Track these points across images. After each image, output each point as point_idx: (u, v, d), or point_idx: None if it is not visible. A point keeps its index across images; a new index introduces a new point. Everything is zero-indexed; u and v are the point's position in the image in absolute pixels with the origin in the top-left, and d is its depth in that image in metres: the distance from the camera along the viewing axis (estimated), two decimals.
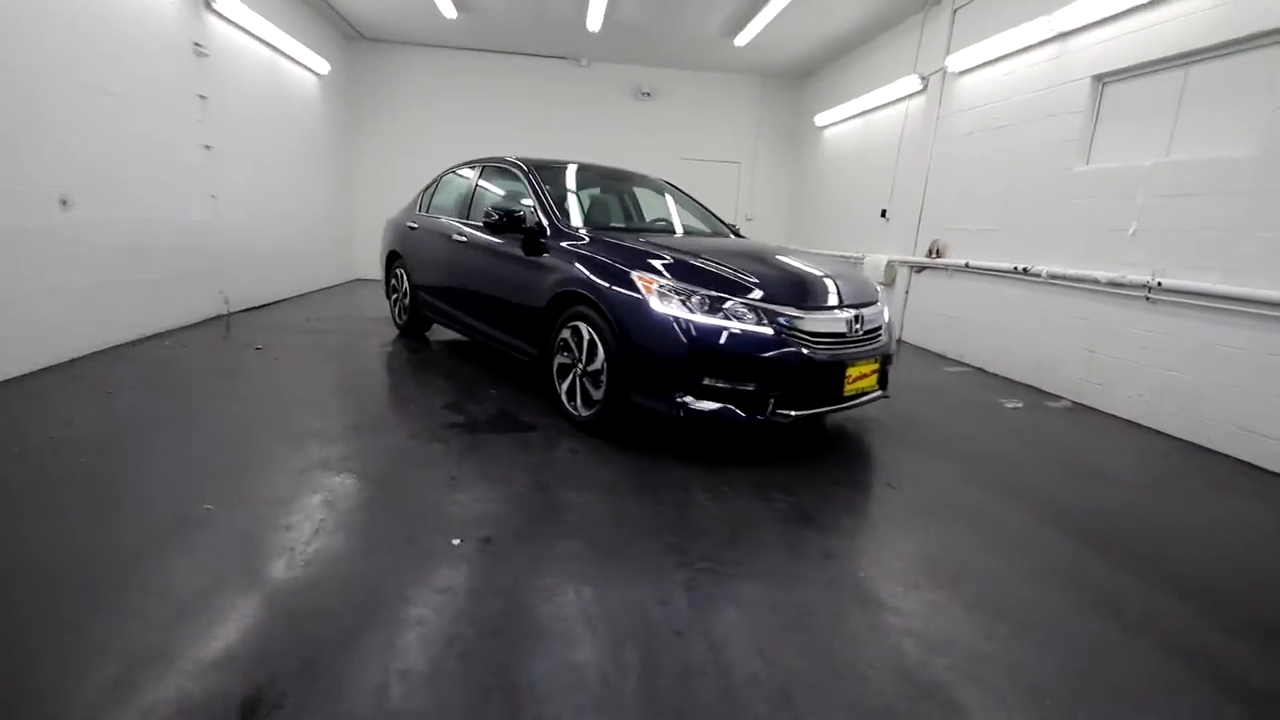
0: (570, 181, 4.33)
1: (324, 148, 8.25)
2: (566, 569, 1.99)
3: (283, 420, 3.19)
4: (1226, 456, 3.52)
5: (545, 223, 3.67)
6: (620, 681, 1.52)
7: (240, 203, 6.01)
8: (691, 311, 2.79)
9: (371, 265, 9.62)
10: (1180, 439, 3.80)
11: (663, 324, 2.80)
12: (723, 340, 2.74)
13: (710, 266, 2.99)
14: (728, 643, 1.69)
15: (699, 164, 9.94)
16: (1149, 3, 4.11)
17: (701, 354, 2.73)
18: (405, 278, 5.25)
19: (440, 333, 5.64)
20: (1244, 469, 3.36)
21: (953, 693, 1.56)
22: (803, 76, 9.79)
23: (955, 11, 6.14)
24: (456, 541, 2.10)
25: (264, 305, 6.59)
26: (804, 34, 7.78)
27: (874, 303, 3.27)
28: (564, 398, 3.38)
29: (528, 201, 3.97)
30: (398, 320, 5.57)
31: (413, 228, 5.14)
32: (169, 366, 4.03)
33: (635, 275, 2.95)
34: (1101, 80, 4.53)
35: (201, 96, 5.28)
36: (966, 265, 5.78)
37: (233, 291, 5.95)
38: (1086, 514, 2.69)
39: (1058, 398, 4.66)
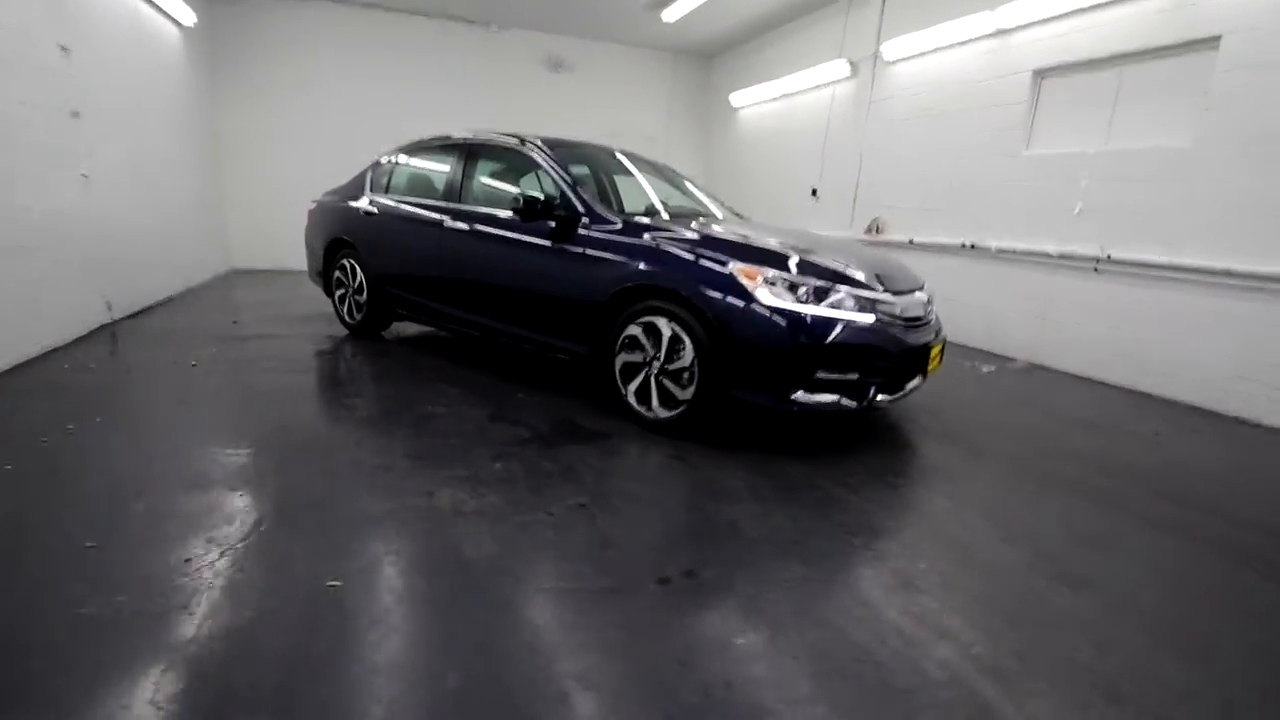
0: (589, 162, 3.98)
1: (190, 116, 6.85)
2: (810, 592, 1.86)
3: (335, 464, 2.64)
4: (1169, 400, 4.20)
5: (580, 210, 3.35)
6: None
7: (115, 184, 4.81)
8: (802, 303, 2.71)
9: (249, 253, 8.32)
10: (1126, 388, 4.46)
11: (775, 318, 2.69)
12: (837, 331, 2.69)
13: (801, 255, 2.92)
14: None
15: (617, 140, 9.68)
16: (1086, 8, 4.64)
17: (819, 347, 2.67)
18: (358, 270, 4.56)
19: (399, 329, 5.00)
20: (1195, 411, 4.03)
21: None
22: (711, 55, 9.87)
23: (884, 1, 6.50)
24: (667, 578, 1.86)
25: (151, 307, 5.39)
26: (727, 13, 7.81)
27: (924, 284, 3.41)
28: (631, 399, 3.15)
29: (545, 186, 3.63)
30: (347, 319, 4.84)
31: (370, 213, 4.45)
32: (102, 400, 3.14)
33: (735, 267, 2.79)
34: (1041, 74, 5.06)
35: (63, 48, 4.10)
36: (910, 242, 6.24)
37: (115, 293, 4.79)
38: (1124, 466, 3.07)
39: (1012, 359, 5.25)
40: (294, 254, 6.18)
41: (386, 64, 8.46)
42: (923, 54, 6.05)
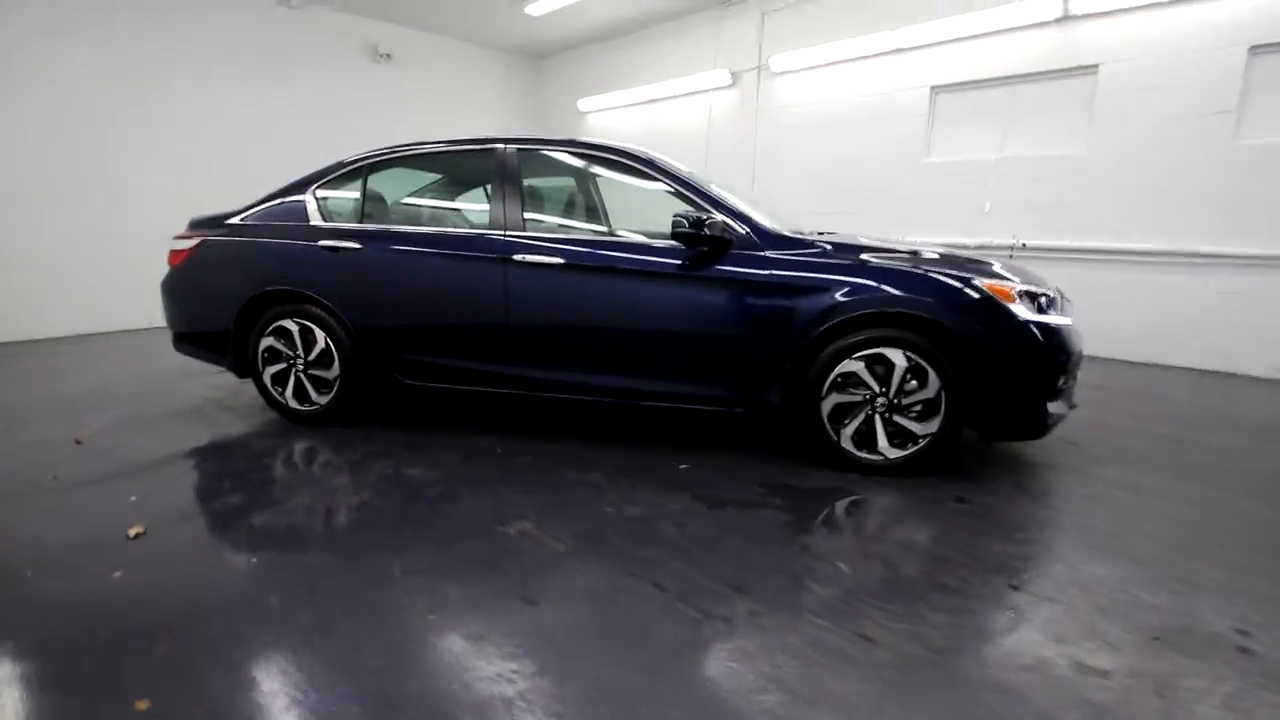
0: (689, 168, 3.27)
1: None
2: None
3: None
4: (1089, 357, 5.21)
5: (743, 230, 2.77)
6: None
7: None
8: (1044, 313, 2.61)
9: None
10: None
11: (1033, 331, 2.54)
12: (1072, 337, 2.67)
13: (985, 263, 2.81)
14: None
15: None
16: (977, 35, 5.45)
17: (1067, 355, 2.60)
18: (319, 333, 3.11)
19: (372, 415, 3.56)
20: (1117, 362, 5.05)
21: None
22: (542, 57, 9.25)
23: (764, 15, 6.79)
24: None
25: None
26: (591, 13, 7.36)
27: None
28: (848, 445, 2.71)
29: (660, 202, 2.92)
30: (294, 403, 3.24)
31: (343, 251, 3.05)
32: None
33: (982, 282, 2.56)
34: (937, 90, 5.80)
35: None
36: None
37: None
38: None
39: None
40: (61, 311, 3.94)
41: (148, 45, 6.02)
42: (817, 67, 6.47)
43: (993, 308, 2.53)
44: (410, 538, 2.13)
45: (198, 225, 3.41)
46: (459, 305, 2.97)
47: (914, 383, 2.61)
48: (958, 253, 2.94)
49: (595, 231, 3.39)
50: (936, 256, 2.73)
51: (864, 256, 2.66)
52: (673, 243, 2.79)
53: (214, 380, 4.15)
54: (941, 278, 2.57)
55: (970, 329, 2.52)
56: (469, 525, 2.24)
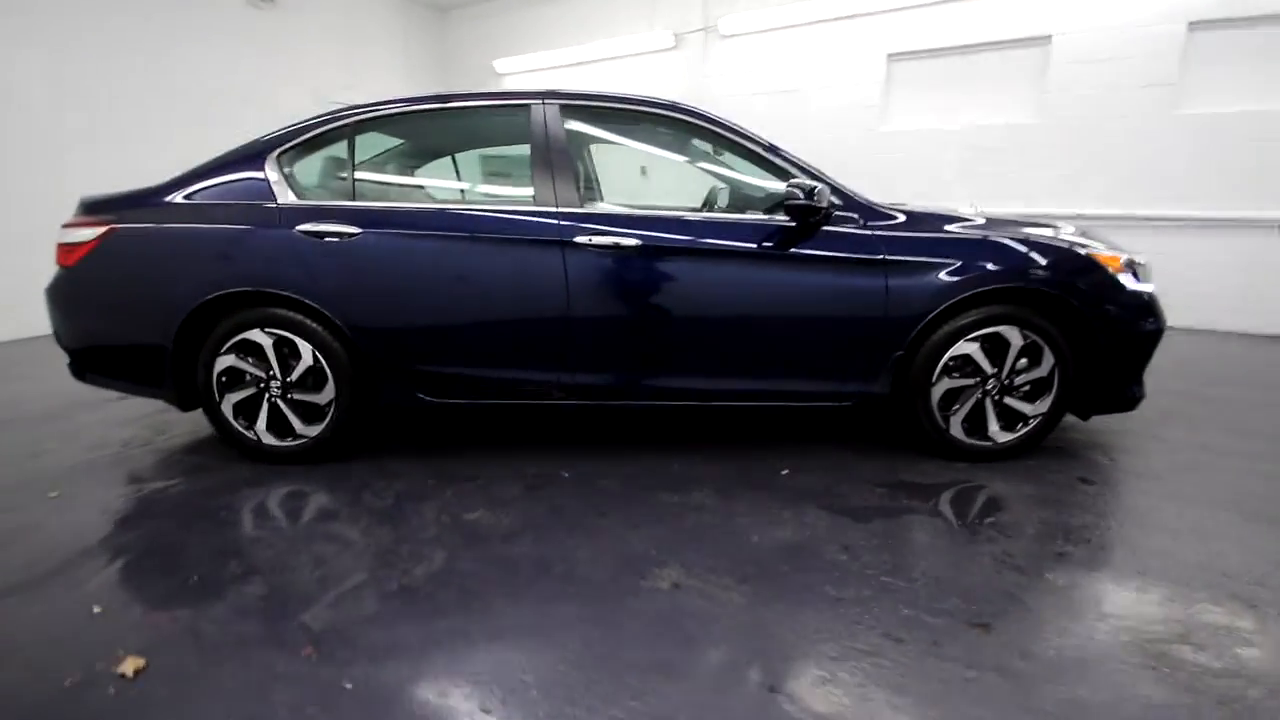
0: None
1: None
2: None
3: None
4: None
5: (839, 202, 2.43)
6: None
7: None
8: (1142, 282, 2.54)
9: None
10: None
11: (1141, 303, 2.45)
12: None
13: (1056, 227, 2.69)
14: None
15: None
16: (933, 2, 5.45)
17: (1161, 325, 2.56)
18: (319, 344, 2.37)
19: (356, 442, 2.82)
20: None
21: None
22: (446, 9, 8.22)
23: None
24: None
25: None
26: None
27: None
28: (958, 433, 2.51)
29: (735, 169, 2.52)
30: (270, 438, 2.46)
31: (345, 234, 2.31)
32: None
33: (1090, 253, 2.42)
34: (893, 58, 5.77)
35: None
36: None
37: None
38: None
39: None
40: None
41: None
42: (769, 30, 6.22)
43: (1107, 279, 2.42)
44: (544, 621, 1.61)
45: (99, 208, 2.48)
46: (505, 302, 2.38)
47: (1023, 361, 2.46)
48: (1017, 218, 2.81)
49: (668, 205, 2.84)
50: (1012, 221, 2.58)
51: (954, 228, 2.43)
52: (764, 218, 2.41)
53: (126, 408, 3.16)
54: (1061, 249, 2.41)
55: (1088, 302, 2.39)
56: (604, 586, 1.75)
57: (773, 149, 2.48)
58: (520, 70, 7.86)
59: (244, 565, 1.85)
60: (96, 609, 1.65)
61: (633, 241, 2.33)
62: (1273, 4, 4.41)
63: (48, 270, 2.51)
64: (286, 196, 2.41)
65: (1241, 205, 4.73)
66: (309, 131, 2.49)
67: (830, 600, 1.68)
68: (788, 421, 2.98)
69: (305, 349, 2.40)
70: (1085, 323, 2.39)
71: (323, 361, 2.41)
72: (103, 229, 2.40)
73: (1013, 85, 5.44)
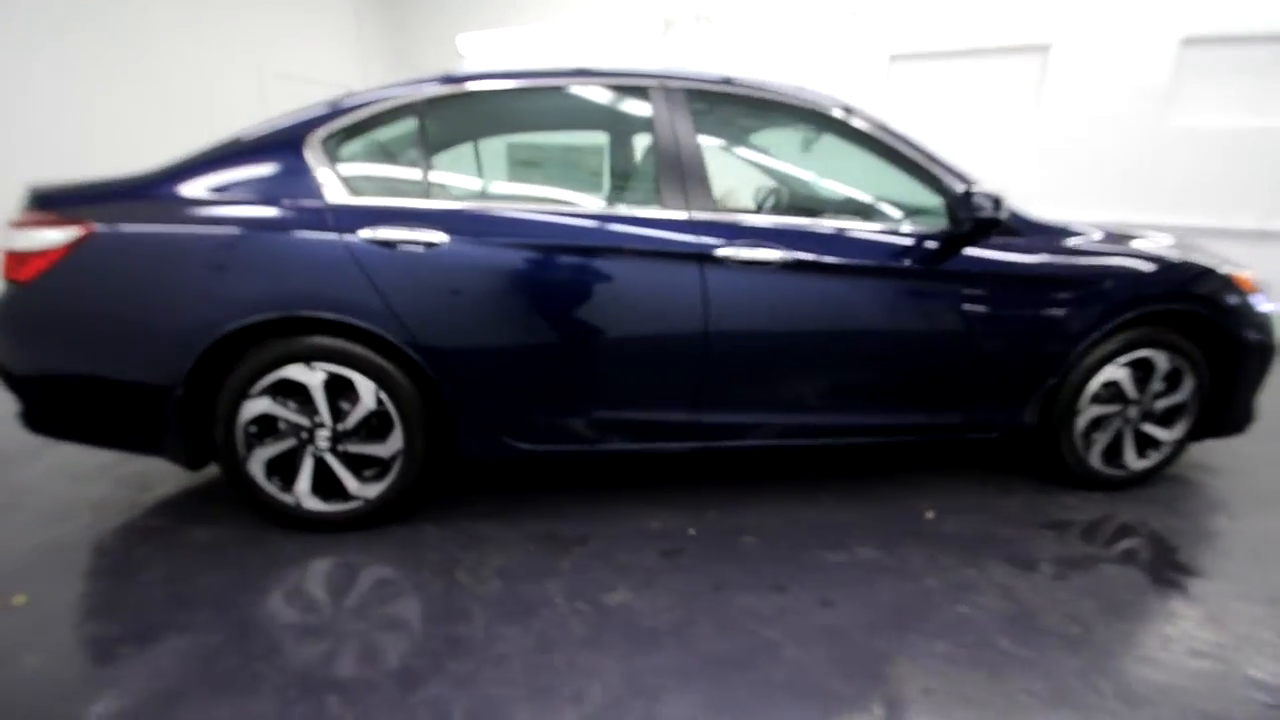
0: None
1: None
2: None
3: None
4: None
5: (999, 213, 2.17)
6: None
7: None
8: (1268, 302, 2.46)
9: None
10: None
11: (1270, 324, 2.37)
12: None
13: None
14: None
15: (299, 85, 6.43)
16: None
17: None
18: (386, 383, 1.84)
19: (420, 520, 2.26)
20: None
21: None
22: None
23: None
24: None
25: None
26: None
27: None
28: (1096, 460, 2.34)
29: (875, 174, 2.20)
30: (322, 507, 1.92)
31: (428, 243, 1.79)
32: None
33: (1230, 273, 2.30)
34: (895, 59, 5.68)
35: None
36: None
37: None
38: None
39: None
40: None
41: None
42: (768, 18, 5.96)
43: (1245, 300, 2.32)
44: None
45: (65, 202, 1.83)
46: (630, 327, 1.94)
47: (1161, 385, 2.33)
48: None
49: (808, 214, 2.39)
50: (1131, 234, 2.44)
51: (1097, 240, 2.26)
52: (929, 230, 2.12)
53: (73, 456, 2.44)
54: (1209, 270, 2.28)
55: (1231, 323, 2.29)
56: (853, 702, 1.40)
57: (932, 156, 2.18)
58: (488, 49, 7.20)
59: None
60: None
61: (776, 255, 1.97)
62: (1261, 26, 4.64)
63: None
64: (338, 193, 1.86)
65: (1226, 215, 4.97)
66: (362, 109, 1.94)
67: (1090, 706, 1.41)
68: (881, 451, 2.73)
69: (366, 388, 1.87)
70: (1229, 345, 2.29)
71: (388, 404, 1.89)
72: (76, 231, 1.76)
73: (1009, 90, 5.48)
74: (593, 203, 2.29)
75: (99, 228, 1.77)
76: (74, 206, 1.81)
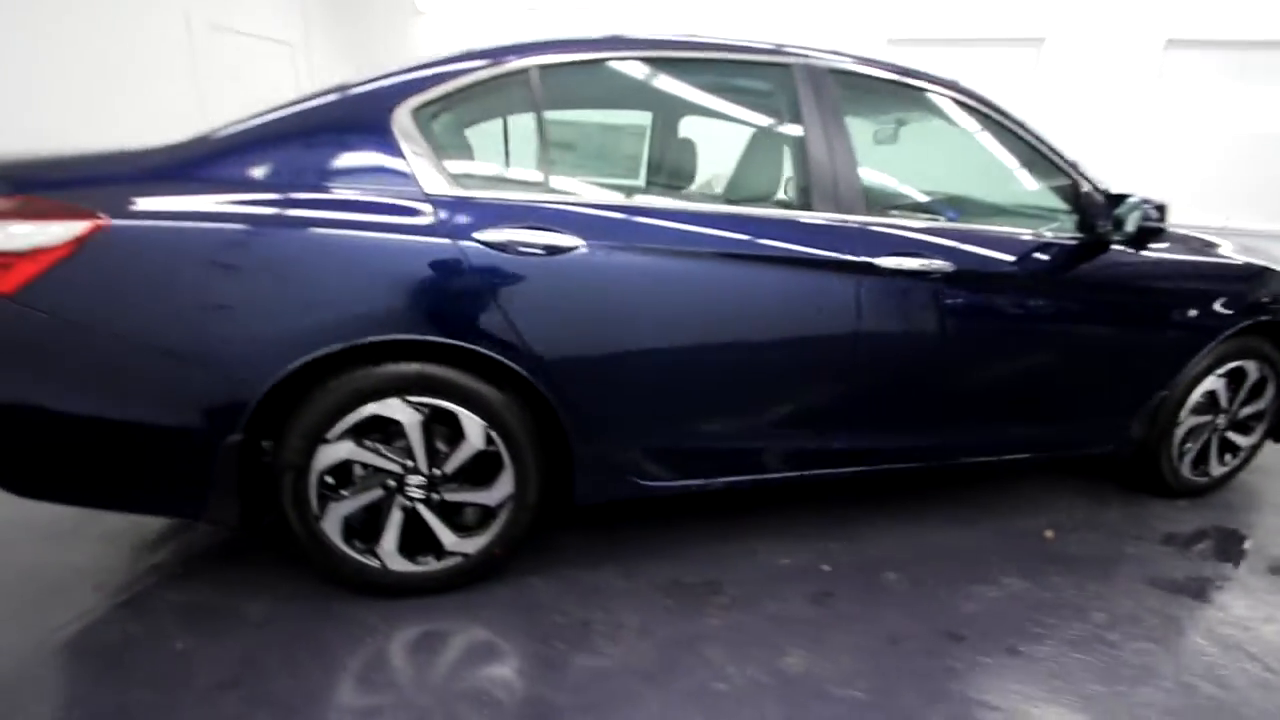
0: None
1: None
2: None
3: None
4: None
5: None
6: None
7: None
8: None
9: None
10: None
11: None
12: None
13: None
14: None
15: (234, 39, 5.56)
16: None
17: None
18: (495, 420, 1.50)
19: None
20: None
21: None
22: None
23: None
24: None
25: None
26: None
27: None
28: (1187, 469, 2.33)
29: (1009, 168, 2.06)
30: (409, 567, 1.57)
31: (564, 249, 1.45)
32: None
33: None
34: (893, 44, 5.58)
35: None
36: None
37: None
38: None
39: None
40: None
41: None
42: None
43: None
44: None
45: (57, 186, 1.34)
46: (782, 345, 1.69)
47: (1244, 394, 2.35)
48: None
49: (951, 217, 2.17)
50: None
51: (1250, 256, 2.23)
52: (1078, 236, 1.97)
53: (36, 513, 1.88)
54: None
55: None
56: None
57: (1063, 156, 2.03)
58: (446, 6, 6.52)
59: None
60: None
61: (940, 266, 1.77)
62: (1239, 31, 4.89)
63: None
64: (437, 183, 1.47)
65: (1207, 214, 5.26)
66: (458, 76, 1.54)
67: None
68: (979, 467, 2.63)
69: (473, 426, 1.52)
70: None
71: (499, 443, 1.55)
72: (81, 226, 1.29)
73: (1005, 78, 5.53)
74: (740, 203, 1.95)
75: (113, 221, 1.30)
76: (73, 191, 1.33)
